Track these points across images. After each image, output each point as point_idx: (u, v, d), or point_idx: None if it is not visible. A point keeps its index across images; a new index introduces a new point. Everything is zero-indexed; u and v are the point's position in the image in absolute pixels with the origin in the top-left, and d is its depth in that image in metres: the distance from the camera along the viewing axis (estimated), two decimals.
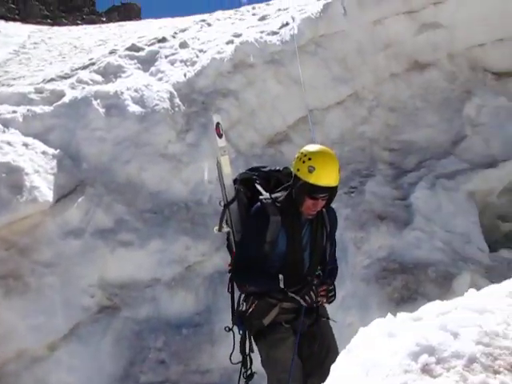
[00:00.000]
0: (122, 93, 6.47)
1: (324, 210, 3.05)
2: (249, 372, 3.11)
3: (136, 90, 6.62)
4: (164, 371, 4.40)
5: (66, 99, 6.35)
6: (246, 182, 3.20)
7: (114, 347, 4.63)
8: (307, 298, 2.85)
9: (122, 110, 6.28)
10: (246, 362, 3.10)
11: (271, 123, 6.80)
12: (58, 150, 5.62)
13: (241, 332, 3.09)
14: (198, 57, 7.82)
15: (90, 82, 6.97)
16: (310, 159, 2.81)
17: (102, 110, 6.22)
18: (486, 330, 1.84)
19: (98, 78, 7.14)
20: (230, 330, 3.11)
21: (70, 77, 7.42)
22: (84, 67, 7.74)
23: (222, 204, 3.19)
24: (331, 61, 7.47)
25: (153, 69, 7.56)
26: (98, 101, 6.28)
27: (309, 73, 7.02)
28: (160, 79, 7.18)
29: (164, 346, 4.56)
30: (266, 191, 3.08)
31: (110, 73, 7.23)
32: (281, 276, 2.84)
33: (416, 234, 5.49)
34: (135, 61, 7.81)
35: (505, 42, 8.19)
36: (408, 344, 1.86)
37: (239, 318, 3.07)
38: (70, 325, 4.66)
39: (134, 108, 6.38)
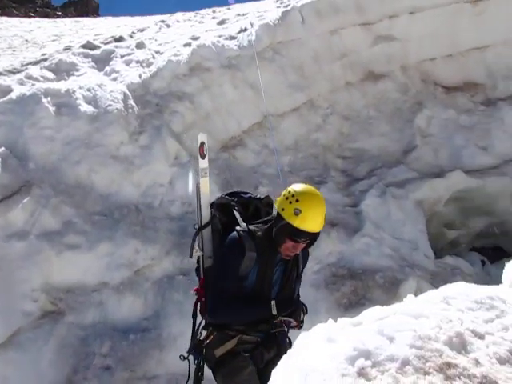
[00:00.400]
0: (74, 91, 6.29)
1: None
2: None
3: (89, 90, 6.45)
4: (109, 378, 4.27)
5: (13, 95, 6.09)
6: (222, 208, 3.04)
7: (56, 354, 4.47)
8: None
9: (73, 109, 6.10)
10: None
11: (226, 128, 6.80)
12: (3, 148, 5.39)
13: (195, 362, 2.97)
14: (154, 58, 7.73)
15: (41, 79, 6.73)
16: (297, 201, 2.66)
17: (52, 109, 6.02)
18: (419, 334, 1.90)
19: (50, 74, 6.90)
20: (186, 358, 2.95)
21: (19, 72, 7.14)
22: (35, 63, 7.48)
23: (196, 227, 3.07)
24: (288, 68, 7.56)
25: (107, 68, 7.41)
26: (49, 98, 6.08)
27: (265, 79, 7.07)
28: (114, 79, 7.03)
29: (110, 352, 4.44)
30: (244, 219, 2.96)
31: (63, 70, 7.02)
32: (273, 302, 2.75)
33: (365, 240, 5.62)
34: (90, 59, 7.63)
35: (454, 57, 8.56)
36: (346, 349, 1.89)
37: (196, 347, 2.94)
38: (8, 332, 4.44)
39: (86, 108, 6.21)
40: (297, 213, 2.63)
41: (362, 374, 1.78)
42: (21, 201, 5.06)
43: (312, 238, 2.75)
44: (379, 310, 2.19)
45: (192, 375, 2.97)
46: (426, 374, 1.73)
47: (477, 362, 1.79)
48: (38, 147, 5.70)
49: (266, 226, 2.87)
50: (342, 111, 7.62)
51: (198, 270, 3.12)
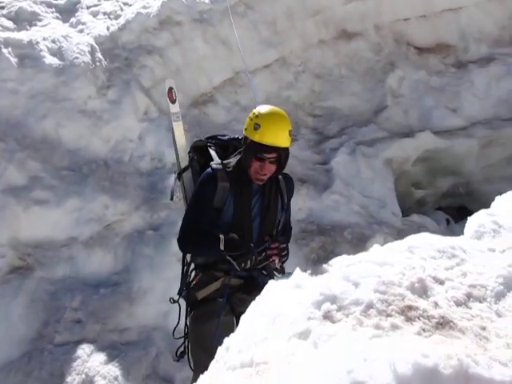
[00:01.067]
0: (38, 43, 6.02)
1: (280, 177, 2.93)
2: (181, 349, 2.90)
3: (53, 41, 6.19)
4: (80, 330, 4.31)
5: None
6: (199, 150, 3.01)
7: (26, 308, 4.46)
8: (243, 264, 2.63)
9: (37, 61, 5.86)
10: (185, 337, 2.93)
11: (196, 83, 6.67)
12: None
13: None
14: (122, 10, 7.42)
15: None
16: (257, 117, 2.67)
17: (13, 60, 5.76)
18: (383, 280, 1.97)
19: (9, 23, 6.52)
20: (175, 301, 2.92)
21: None
22: None
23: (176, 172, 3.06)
24: (260, 24, 7.40)
25: (73, 19, 7.09)
26: (9, 49, 5.81)
27: (237, 34, 6.91)
28: (81, 31, 6.75)
29: (80, 306, 4.46)
30: (222, 158, 2.91)
31: (23, 19, 6.66)
32: (221, 236, 2.65)
33: (335, 197, 5.72)
34: (53, 9, 7.27)
35: (427, 18, 8.53)
36: (312, 294, 1.95)
37: (184, 290, 2.90)
38: None
39: (51, 60, 5.97)
40: (256, 127, 2.63)
41: (327, 316, 1.85)
42: None
43: (277, 154, 2.68)
44: (346, 259, 2.26)
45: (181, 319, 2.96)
46: (389, 316, 1.81)
47: (436, 305, 1.88)
48: (0, 100, 5.49)
49: (238, 156, 2.85)
50: (314, 69, 7.56)
51: None
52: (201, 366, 2.60)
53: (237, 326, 2.76)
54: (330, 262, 2.29)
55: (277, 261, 2.78)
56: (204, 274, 2.84)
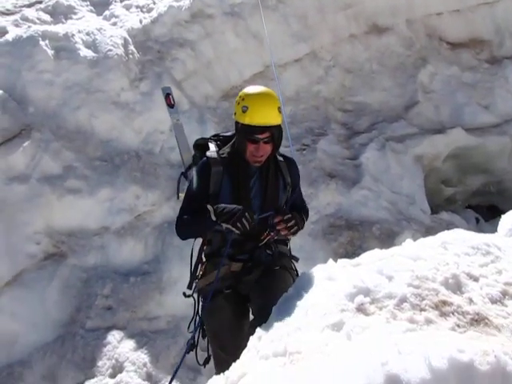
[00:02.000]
0: (73, 35, 6.15)
1: (281, 159, 2.89)
2: (190, 342, 2.67)
3: (88, 34, 6.31)
4: (111, 317, 4.42)
5: (8, 37, 5.95)
6: (201, 147, 2.99)
7: (60, 294, 4.61)
8: (239, 224, 2.48)
9: (72, 54, 5.99)
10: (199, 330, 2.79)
11: (227, 76, 6.71)
12: (1, 92, 5.34)
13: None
14: (154, 3, 7.51)
15: (37, 21, 6.53)
16: (243, 99, 2.63)
17: (50, 52, 5.91)
18: (417, 274, 1.97)
19: (46, 17, 6.71)
20: (188, 296, 2.85)
21: (12, 13, 6.92)
22: (30, 5, 7.24)
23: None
24: (291, 17, 7.38)
25: (107, 12, 7.21)
26: (47, 41, 5.95)
27: (268, 28, 6.91)
28: (114, 24, 6.87)
29: (111, 293, 4.57)
30: None
31: (60, 13, 6.83)
32: (209, 206, 2.58)
33: (363, 192, 5.68)
34: (88, 2, 7.41)
35: (461, 12, 8.35)
36: (345, 286, 1.96)
37: (195, 283, 2.82)
38: (13, 272, 4.57)
39: (86, 52, 6.10)
40: (244, 110, 2.60)
41: (360, 309, 1.86)
42: (21, 144, 5.08)
43: (270, 133, 2.63)
44: (378, 252, 2.26)
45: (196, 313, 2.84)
46: (422, 310, 1.81)
47: (470, 301, 1.88)
48: (37, 91, 5.64)
49: (232, 141, 2.84)
50: (345, 64, 7.50)
51: None
52: (219, 362, 2.66)
53: (250, 310, 2.70)
54: (363, 256, 2.29)
55: (285, 232, 2.65)
56: (209, 263, 2.78)
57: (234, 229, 2.50)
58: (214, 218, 2.54)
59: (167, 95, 3.27)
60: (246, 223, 2.49)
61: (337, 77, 7.31)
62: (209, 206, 2.58)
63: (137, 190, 5.27)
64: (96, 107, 5.74)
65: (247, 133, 2.63)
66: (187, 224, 2.70)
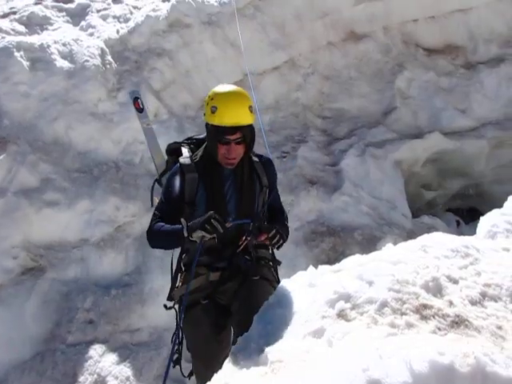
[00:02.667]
0: (49, 46, 6.08)
1: (256, 159, 2.79)
2: (175, 356, 2.64)
3: (64, 44, 6.25)
4: (92, 331, 4.34)
5: None
6: (174, 152, 2.91)
7: (39, 309, 4.51)
8: (208, 226, 2.37)
9: (48, 65, 5.92)
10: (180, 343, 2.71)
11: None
12: None
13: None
14: (131, 13, 7.48)
15: (12, 32, 6.40)
16: (212, 99, 2.55)
17: (25, 63, 5.83)
18: (397, 279, 1.97)
19: (21, 28, 6.60)
20: (169, 308, 2.76)
21: None
22: (3, 16, 7.13)
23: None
24: (269, 25, 7.41)
25: (83, 23, 7.15)
26: (21, 53, 5.87)
27: (246, 37, 6.94)
28: (91, 34, 6.81)
29: (92, 307, 4.49)
30: None
31: (35, 24, 6.74)
32: (183, 221, 2.45)
33: (344, 198, 5.71)
34: (64, 13, 7.34)
35: (436, 19, 8.49)
36: (326, 292, 1.95)
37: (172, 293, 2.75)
38: None
39: (62, 63, 6.03)
40: (213, 110, 2.51)
41: (341, 315, 1.85)
42: None
43: (241, 133, 2.55)
44: (359, 258, 2.26)
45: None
46: (403, 314, 1.81)
47: (450, 304, 1.88)
48: (12, 103, 5.56)
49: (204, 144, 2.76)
50: (323, 71, 7.55)
51: None
52: (199, 374, 2.60)
53: (230, 319, 2.59)
54: (343, 262, 2.28)
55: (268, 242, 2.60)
56: (187, 273, 2.68)
57: (204, 233, 2.38)
58: (185, 234, 2.42)
59: (135, 99, 3.21)
60: (217, 224, 2.38)
61: (315, 84, 7.35)
62: (182, 220, 2.46)
63: (116, 202, 5.20)
64: (73, 118, 5.67)
65: (217, 134, 2.55)
66: (158, 235, 2.58)
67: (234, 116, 2.51)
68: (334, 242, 5.12)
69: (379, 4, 8.15)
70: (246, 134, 2.58)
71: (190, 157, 2.75)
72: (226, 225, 2.42)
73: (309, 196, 5.66)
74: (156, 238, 2.60)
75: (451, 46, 8.47)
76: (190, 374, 2.79)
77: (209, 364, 2.40)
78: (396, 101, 7.51)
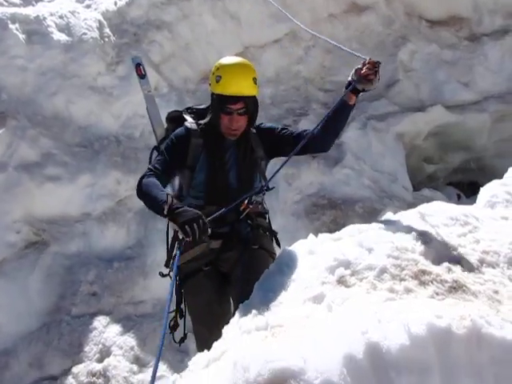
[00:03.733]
0: (45, 18, 5.99)
1: (254, 131, 2.77)
2: (172, 322, 2.73)
3: (61, 17, 6.15)
4: (96, 303, 4.41)
5: None
6: (175, 120, 2.91)
7: (43, 282, 4.57)
8: (188, 228, 2.17)
9: (45, 38, 5.84)
10: (176, 310, 2.75)
11: (206, 58, 6.61)
12: None
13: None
14: None
15: (5, 3, 6.23)
16: (218, 69, 2.61)
17: (21, 36, 5.74)
18: (397, 246, 1.99)
19: None
20: (165, 275, 2.71)
21: None
22: None
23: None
24: None
25: None
26: (17, 25, 5.77)
27: (246, 9, 6.84)
28: (88, 6, 6.70)
29: (95, 280, 4.55)
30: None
31: None
32: (169, 198, 2.29)
33: (346, 171, 5.71)
34: None
35: None
36: (326, 259, 1.98)
37: (169, 261, 2.71)
38: None
39: (59, 36, 5.95)
40: (218, 80, 2.57)
41: (341, 281, 1.88)
42: None
43: (244, 104, 2.56)
44: (358, 226, 2.28)
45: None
46: (402, 280, 1.83)
47: (449, 270, 1.90)
48: (9, 77, 5.52)
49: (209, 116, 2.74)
50: (325, 43, 7.42)
51: None
52: (201, 340, 2.58)
53: (229, 287, 2.61)
54: (343, 230, 2.30)
55: (371, 77, 2.53)
56: (185, 241, 2.52)
57: (181, 232, 2.21)
58: (165, 213, 2.26)
59: (137, 65, 3.17)
60: (197, 230, 2.18)
61: (317, 57, 7.26)
62: (168, 197, 2.30)
63: (117, 175, 5.21)
64: (73, 93, 5.63)
65: (220, 103, 2.58)
66: (145, 194, 2.46)
67: (238, 86, 2.54)
68: (335, 215, 5.14)
69: None
70: (249, 105, 2.60)
71: (196, 123, 2.77)
72: (208, 231, 2.24)
73: (310, 169, 5.66)
74: (142, 195, 2.50)
75: (455, 18, 8.31)
76: (181, 341, 2.81)
77: (213, 329, 2.38)
78: (398, 73, 7.42)
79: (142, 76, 3.19)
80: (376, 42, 7.81)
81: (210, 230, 2.27)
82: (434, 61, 7.69)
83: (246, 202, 2.56)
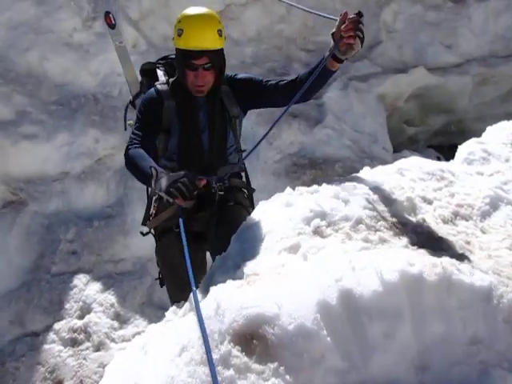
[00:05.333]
0: None
1: (225, 87, 2.64)
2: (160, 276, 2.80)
3: None
4: (76, 261, 4.40)
5: None
6: (148, 73, 2.81)
7: (22, 241, 4.53)
8: (172, 190, 2.09)
9: None
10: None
11: None
12: None
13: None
14: None
15: None
16: (179, 22, 2.45)
17: None
18: (373, 198, 2.01)
19: None
20: (145, 234, 2.75)
21: None
22: None
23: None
24: None
25: None
26: None
27: None
28: None
29: (75, 238, 4.52)
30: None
31: None
32: (153, 171, 2.23)
33: (326, 131, 5.70)
34: None
35: None
36: (302, 211, 1.99)
37: (146, 220, 2.71)
38: None
39: None
40: (179, 33, 2.42)
41: (317, 232, 1.90)
42: None
43: (208, 58, 2.43)
44: (336, 180, 2.29)
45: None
46: (377, 230, 1.86)
47: (424, 221, 1.94)
48: None
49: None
50: (308, 2, 7.26)
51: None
52: (174, 299, 2.59)
53: (205, 245, 2.63)
54: (321, 184, 2.30)
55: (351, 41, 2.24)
56: (160, 202, 2.64)
57: (168, 197, 2.13)
58: (153, 186, 2.23)
59: (106, 14, 3.03)
60: (185, 189, 2.09)
61: (299, 16, 7.10)
62: (152, 170, 2.23)
63: (96, 134, 5.09)
64: (47, 49, 5.43)
65: (184, 58, 2.44)
66: (132, 166, 2.43)
67: (200, 39, 2.39)
68: (315, 174, 5.16)
69: None
70: (215, 58, 2.47)
71: (167, 81, 2.66)
72: (196, 186, 2.17)
73: (290, 129, 5.62)
74: (130, 167, 2.46)
75: None
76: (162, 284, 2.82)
77: (184, 286, 2.36)
78: (381, 34, 7.34)
79: (111, 26, 3.05)
80: (359, 1, 7.63)
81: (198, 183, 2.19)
82: (417, 22, 7.61)
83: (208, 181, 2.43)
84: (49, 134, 4.98)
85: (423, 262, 1.59)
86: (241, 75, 2.74)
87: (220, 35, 2.46)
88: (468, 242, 1.86)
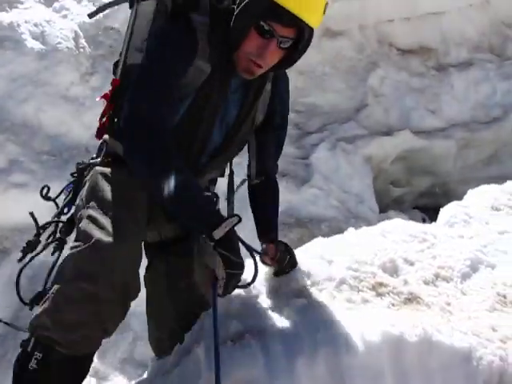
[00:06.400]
0: (19, 25, 5.94)
1: (269, 84, 1.93)
2: None
3: (36, 25, 6.11)
4: None
5: None
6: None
7: (2, 292, 4.43)
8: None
9: (18, 44, 5.77)
10: None
11: None
12: None
13: None
14: None
15: None
16: None
17: None
18: (356, 259, 2.06)
19: None
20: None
21: None
22: None
23: None
24: None
25: (56, 4, 6.99)
26: None
27: None
28: (64, 16, 6.69)
29: None
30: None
31: (3, 1, 6.53)
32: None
33: (313, 191, 5.81)
34: None
35: (411, 21, 8.67)
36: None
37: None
38: None
39: (33, 44, 5.90)
40: None
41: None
42: None
43: (296, 33, 1.64)
44: (321, 240, 2.35)
45: None
46: (360, 291, 1.90)
47: (405, 282, 1.98)
48: None
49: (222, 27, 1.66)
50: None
51: (116, 65, 1.94)
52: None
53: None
54: (306, 244, 2.36)
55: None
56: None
57: (216, 272, 1.54)
58: (214, 237, 1.49)
59: None
60: (229, 285, 1.55)
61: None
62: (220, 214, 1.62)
63: None
64: (44, 101, 5.58)
65: (263, 12, 1.55)
66: (185, 203, 1.54)
67: (306, 4, 1.56)
68: (302, 233, 5.21)
69: (356, 3, 8.26)
70: (302, 39, 1.66)
71: (211, 28, 1.67)
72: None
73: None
74: (177, 203, 1.53)
75: (424, 48, 8.65)
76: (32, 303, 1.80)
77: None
78: (368, 98, 7.64)
79: None
80: (348, 66, 8.03)
81: None
82: (402, 87, 7.96)
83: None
84: (39, 183, 4.98)
85: (404, 323, 1.62)
86: (288, 91, 2.15)
87: (324, 13, 1.67)
88: (448, 304, 1.89)
